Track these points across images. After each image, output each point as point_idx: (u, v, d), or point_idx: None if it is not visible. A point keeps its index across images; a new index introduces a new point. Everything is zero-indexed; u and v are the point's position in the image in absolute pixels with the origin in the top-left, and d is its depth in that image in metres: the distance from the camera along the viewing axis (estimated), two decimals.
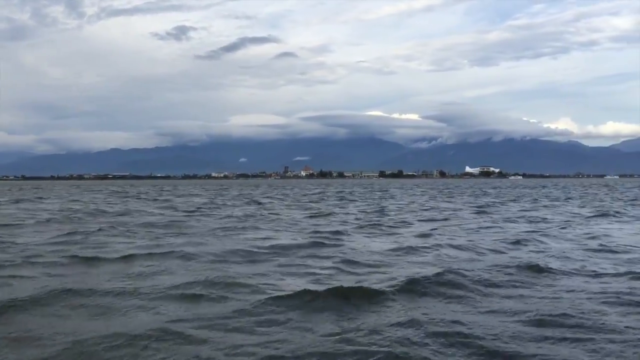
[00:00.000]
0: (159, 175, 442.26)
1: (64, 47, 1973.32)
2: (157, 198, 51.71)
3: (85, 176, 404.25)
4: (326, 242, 15.88)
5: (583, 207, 35.87)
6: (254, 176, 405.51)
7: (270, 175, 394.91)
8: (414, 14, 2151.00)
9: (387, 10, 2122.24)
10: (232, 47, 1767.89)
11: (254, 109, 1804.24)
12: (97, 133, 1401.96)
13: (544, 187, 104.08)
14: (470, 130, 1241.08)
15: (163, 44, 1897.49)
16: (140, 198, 52.00)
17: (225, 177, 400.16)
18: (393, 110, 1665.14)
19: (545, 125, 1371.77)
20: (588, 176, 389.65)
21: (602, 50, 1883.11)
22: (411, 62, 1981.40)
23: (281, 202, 42.62)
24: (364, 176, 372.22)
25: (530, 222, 23.76)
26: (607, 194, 59.78)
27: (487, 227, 21.05)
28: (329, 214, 28.34)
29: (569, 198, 50.62)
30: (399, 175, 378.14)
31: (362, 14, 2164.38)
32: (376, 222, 23.07)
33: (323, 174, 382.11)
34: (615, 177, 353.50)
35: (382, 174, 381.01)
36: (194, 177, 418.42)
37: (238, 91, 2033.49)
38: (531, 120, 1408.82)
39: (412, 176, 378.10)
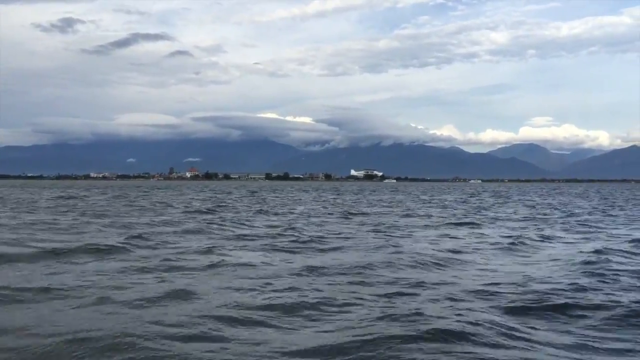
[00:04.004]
0: (30, 175, 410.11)
1: None
2: None
3: None
4: None
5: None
6: (136, 177, 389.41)
7: (153, 177, 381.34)
8: (307, 19, 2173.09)
9: (281, 13, 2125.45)
10: (122, 43, 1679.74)
11: (144, 108, 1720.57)
12: None
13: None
14: (361, 135, 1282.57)
15: (45, 36, 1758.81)
16: None
17: (105, 177, 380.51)
18: (287, 113, 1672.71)
19: (432, 132, 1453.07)
20: (464, 180, 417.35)
21: (481, 62, 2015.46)
22: (304, 65, 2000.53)
23: None
24: (250, 178, 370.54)
25: None
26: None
27: None
28: None
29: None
30: (285, 177, 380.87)
31: (256, 15, 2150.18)
32: None
33: (208, 176, 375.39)
34: (478, 181, 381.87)
35: (268, 176, 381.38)
36: (70, 177, 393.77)
37: (127, 89, 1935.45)
38: (418, 127, 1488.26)
39: (299, 179, 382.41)
